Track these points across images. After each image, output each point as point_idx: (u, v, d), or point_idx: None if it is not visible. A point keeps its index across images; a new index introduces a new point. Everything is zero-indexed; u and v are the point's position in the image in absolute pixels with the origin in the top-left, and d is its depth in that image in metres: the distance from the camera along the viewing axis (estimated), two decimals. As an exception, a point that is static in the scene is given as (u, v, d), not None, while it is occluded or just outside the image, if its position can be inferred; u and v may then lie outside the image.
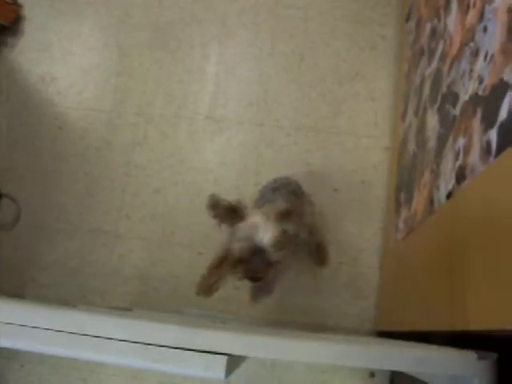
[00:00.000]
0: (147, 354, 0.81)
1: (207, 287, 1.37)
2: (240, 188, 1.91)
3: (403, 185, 1.57)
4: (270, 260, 1.27)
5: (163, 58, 2.09)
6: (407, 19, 1.87)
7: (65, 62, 2.15)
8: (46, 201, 1.99)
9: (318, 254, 1.70)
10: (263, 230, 1.26)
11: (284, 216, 1.29)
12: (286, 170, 1.90)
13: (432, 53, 1.42)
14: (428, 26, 1.52)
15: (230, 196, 1.87)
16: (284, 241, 1.27)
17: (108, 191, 1.97)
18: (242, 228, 1.30)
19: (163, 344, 0.81)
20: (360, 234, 1.83)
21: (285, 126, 1.95)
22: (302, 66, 2.01)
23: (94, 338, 0.82)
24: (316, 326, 1.77)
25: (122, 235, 1.92)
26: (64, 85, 2.11)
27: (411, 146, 1.52)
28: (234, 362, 0.83)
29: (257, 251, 1.27)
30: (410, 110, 1.61)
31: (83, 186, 1.98)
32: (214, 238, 1.84)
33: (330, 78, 1.99)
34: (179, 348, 0.81)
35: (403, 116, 1.71)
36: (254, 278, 1.29)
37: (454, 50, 1.18)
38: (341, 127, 1.94)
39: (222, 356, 0.81)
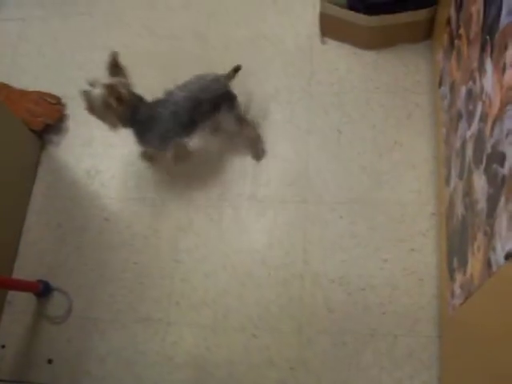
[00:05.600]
0: None
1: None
2: (288, 266, 1.89)
3: (455, 249, 1.54)
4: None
5: (206, 143, 2.14)
6: (440, 84, 1.89)
7: (107, 155, 2.21)
8: (96, 292, 2.00)
9: (253, 147, 2.09)
10: None
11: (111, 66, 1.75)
12: (333, 245, 1.89)
13: (471, 115, 1.42)
14: (463, 89, 1.52)
15: (278, 275, 1.87)
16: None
17: (157, 279, 1.97)
18: None
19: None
20: (414, 302, 1.78)
21: (328, 201, 1.95)
22: (340, 139, 2.03)
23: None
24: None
25: (174, 322, 1.91)
26: (108, 176, 2.17)
27: (459, 210, 1.50)
28: None
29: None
30: (454, 174, 1.59)
31: (132, 275, 1.99)
32: (268, 319, 1.84)
33: (369, 149, 2.00)
34: None
35: (447, 180, 1.69)
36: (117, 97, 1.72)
37: (494, 110, 1.18)
38: (385, 197, 1.92)
39: None
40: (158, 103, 1.84)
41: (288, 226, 1.95)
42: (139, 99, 1.82)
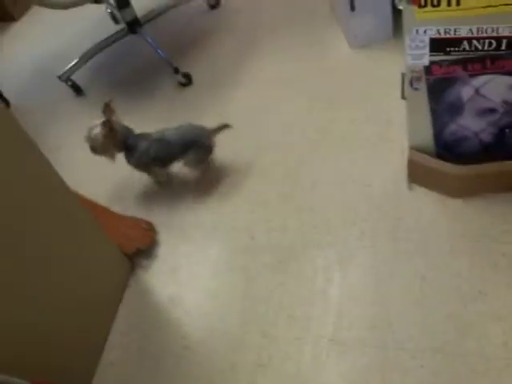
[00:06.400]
0: None
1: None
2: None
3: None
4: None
5: (286, 281, 2.17)
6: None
7: (193, 285, 2.27)
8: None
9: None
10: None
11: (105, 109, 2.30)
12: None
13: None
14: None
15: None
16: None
17: (231, 415, 1.96)
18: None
19: None
20: None
21: (409, 348, 1.91)
22: (423, 287, 2.01)
23: None
24: None
25: None
26: (191, 306, 2.21)
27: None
28: None
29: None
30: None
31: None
32: None
33: (452, 298, 1.97)
34: None
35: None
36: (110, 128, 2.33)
37: None
38: (468, 349, 1.86)
39: None
40: (143, 136, 2.45)
41: (367, 372, 1.89)
42: (128, 130, 2.43)
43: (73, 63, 3.40)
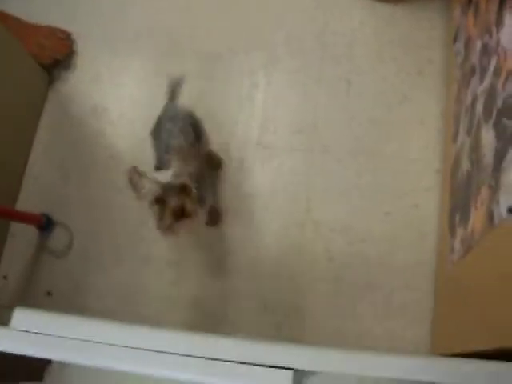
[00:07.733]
0: (213, 368, 0.81)
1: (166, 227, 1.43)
2: (290, 213, 1.90)
3: (458, 205, 1.54)
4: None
5: (212, 87, 2.13)
6: (454, 40, 1.86)
7: (115, 93, 2.20)
8: (97, 229, 2.02)
9: (211, 214, 1.87)
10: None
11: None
12: (336, 195, 1.90)
13: (484, 70, 1.41)
14: (478, 44, 1.50)
15: (278, 222, 1.89)
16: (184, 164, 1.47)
17: (158, 219, 1.98)
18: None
19: (229, 359, 0.81)
20: (413, 257, 1.80)
21: (335, 151, 1.95)
22: (350, 91, 2.02)
23: (158, 353, 0.82)
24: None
25: (174, 261, 1.93)
26: (115, 115, 2.15)
27: (465, 166, 1.50)
28: (299, 376, 0.82)
29: (167, 188, 1.41)
30: (462, 131, 1.59)
31: (135, 215, 2.00)
32: (267, 264, 1.86)
33: (378, 102, 1.99)
34: (244, 363, 0.81)
35: (454, 137, 1.69)
36: (183, 213, 1.39)
37: (509, 64, 1.17)
38: (391, 151, 1.92)
39: (288, 371, 0.81)
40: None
41: (292, 174, 1.95)
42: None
43: None
